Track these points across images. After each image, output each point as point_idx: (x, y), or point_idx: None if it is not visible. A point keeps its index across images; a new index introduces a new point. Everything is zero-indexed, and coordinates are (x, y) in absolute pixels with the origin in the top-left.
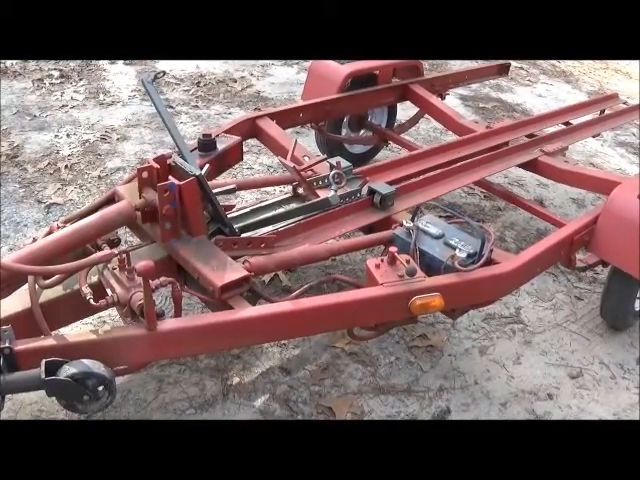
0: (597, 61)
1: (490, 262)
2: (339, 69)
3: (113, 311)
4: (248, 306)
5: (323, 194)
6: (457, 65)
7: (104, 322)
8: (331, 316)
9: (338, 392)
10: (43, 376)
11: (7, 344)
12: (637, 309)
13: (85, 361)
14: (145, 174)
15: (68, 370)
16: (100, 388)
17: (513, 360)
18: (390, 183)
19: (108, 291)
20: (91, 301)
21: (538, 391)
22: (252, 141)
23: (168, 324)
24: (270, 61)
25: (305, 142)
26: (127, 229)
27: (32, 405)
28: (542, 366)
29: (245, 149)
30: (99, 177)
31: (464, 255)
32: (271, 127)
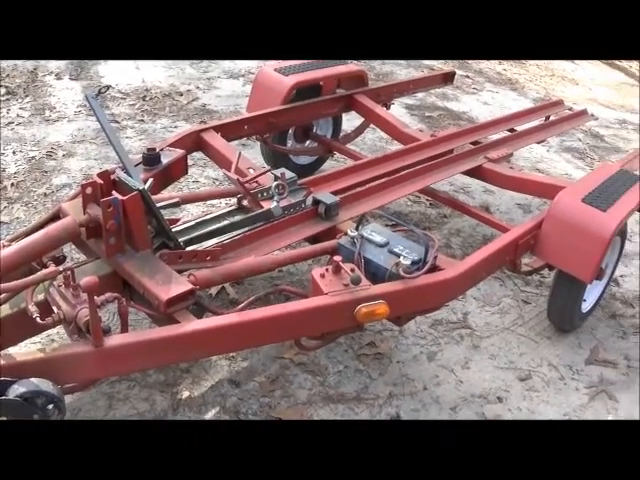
0: (543, 68)
1: (435, 269)
2: (283, 80)
3: (62, 329)
4: (194, 320)
5: (267, 206)
6: (403, 75)
7: (52, 340)
8: (277, 327)
9: (288, 403)
10: None
11: None
12: (583, 311)
13: (34, 380)
14: (89, 190)
15: (17, 389)
16: (50, 407)
17: (462, 365)
18: (335, 193)
19: (54, 309)
20: (38, 319)
21: (488, 394)
22: (198, 154)
23: (115, 340)
24: (216, 74)
25: (251, 154)
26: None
27: None
28: (491, 370)
29: (191, 162)
30: (45, 194)
31: (408, 262)
32: (216, 140)
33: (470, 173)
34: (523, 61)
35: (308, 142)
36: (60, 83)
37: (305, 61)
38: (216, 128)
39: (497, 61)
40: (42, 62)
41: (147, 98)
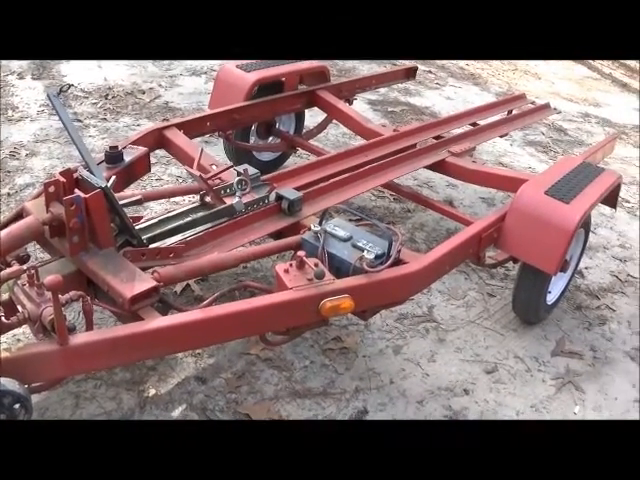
0: (506, 62)
1: (399, 262)
2: (245, 77)
3: (28, 328)
4: (159, 317)
5: (231, 202)
6: (365, 70)
7: (18, 340)
8: (242, 322)
9: (255, 398)
10: None
11: None
12: (549, 303)
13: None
14: (52, 188)
15: None
16: (16, 406)
17: (428, 358)
18: (298, 189)
19: (19, 308)
20: (3, 318)
21: (454, 387)
22: (161, 152)
23: (80, 338)
24: (178, 71)
25: (214, 151)
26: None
27: None
28: (457, 363)
29: (154, 160)
30: (8, 194)
31: (372, 256)
32: (178, 137)
33: (433, 167)
34: None
35: (271, 138)
36: (22, 83)
37: None
38: (178, 125)
39: None
40: (4, 62)
41: (109, 96)
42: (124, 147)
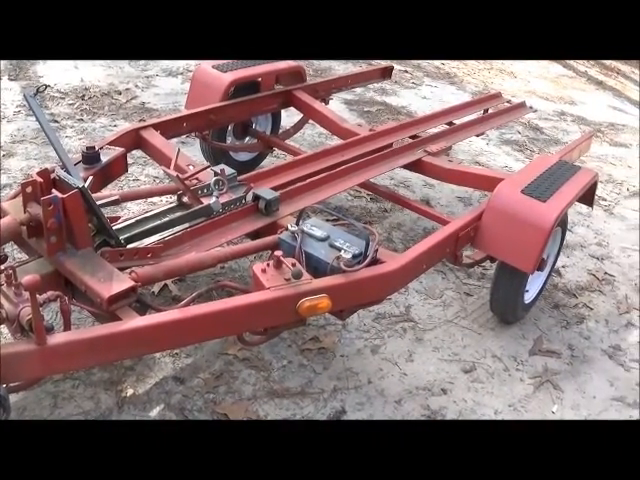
0: (481, 62)
1: (376, 262)
2: (222, 77)
3: (6, 329)
4: (136, 317)
5: (208, 202)
6: (341, 70)
7: None
8: (219, 322)
9: (233, 398)
10: None
11: None
12: (526, 302)
13: None
14: (29, 189)
15: None
16: None
17: (405, 358)
18: (275, 188)
19: None
20: None
21: (432, 387)
22: (138, 153)
23: (57, 338)
24: (154, 72)
25: (191, 152)
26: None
27: None
28: (435, 362)
29: (131, 161)
30: None
31: (349, 256)
32: (155, 138)
33: (410, 167)
34: None
35: (247, 139)
36: None
37: None
38: (155, 126)
39: None
40: None
41: (86, 97)
42: (101, 148)
